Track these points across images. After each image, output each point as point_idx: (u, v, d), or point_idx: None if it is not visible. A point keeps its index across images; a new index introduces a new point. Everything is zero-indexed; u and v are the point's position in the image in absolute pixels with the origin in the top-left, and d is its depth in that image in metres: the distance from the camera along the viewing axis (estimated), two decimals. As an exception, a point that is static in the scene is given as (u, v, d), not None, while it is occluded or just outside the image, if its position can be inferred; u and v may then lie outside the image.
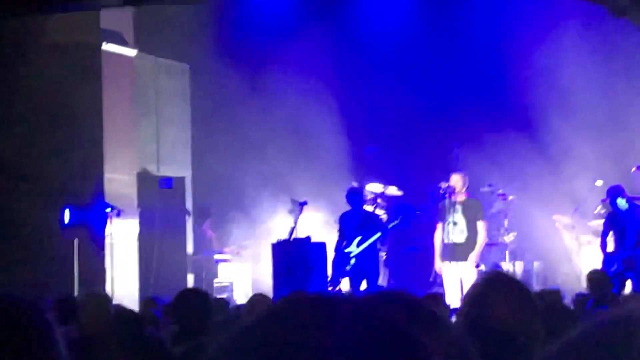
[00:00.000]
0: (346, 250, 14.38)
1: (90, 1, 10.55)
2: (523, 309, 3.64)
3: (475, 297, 3.67)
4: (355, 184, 16.90)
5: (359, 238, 14.36)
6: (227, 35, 18.80)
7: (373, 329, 1.49)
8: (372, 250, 14.47)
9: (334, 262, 14.49)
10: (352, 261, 14.30)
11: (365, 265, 14.33)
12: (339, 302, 1.52)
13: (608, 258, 13.46)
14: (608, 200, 13.94)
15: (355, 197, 14.79)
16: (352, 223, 14.54)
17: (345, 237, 14.57)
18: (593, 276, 10.67)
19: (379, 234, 14.37)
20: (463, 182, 14.07)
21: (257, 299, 8.18)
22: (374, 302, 2.07)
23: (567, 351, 1.52)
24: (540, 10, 16.94)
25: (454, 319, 8.69)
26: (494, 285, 3.67)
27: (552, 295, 8.59)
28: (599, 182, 16.19)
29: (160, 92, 18.12)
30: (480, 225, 14.07)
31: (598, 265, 13.64)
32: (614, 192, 13.77)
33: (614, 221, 13.65)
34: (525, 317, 3.64)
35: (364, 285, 14.51)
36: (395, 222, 14.71)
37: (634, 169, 15.78)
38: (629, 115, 17.41)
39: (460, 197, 14.03)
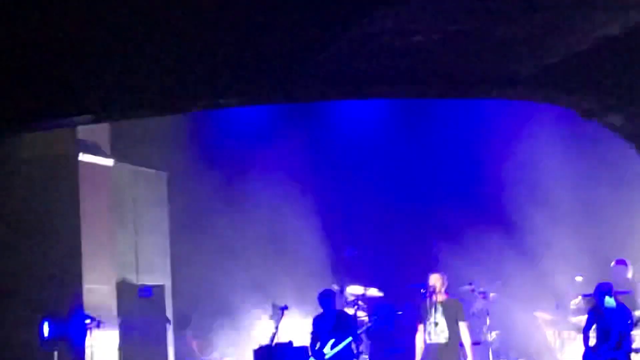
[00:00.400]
0: (322, 352, 14.23)
1: (63, 120, 10.62)
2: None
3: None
4: (335, 287, 16.86)
5: (332, 340, 14.25)
6: (204, 142, 18.89)
7: None
8: (347, 352, 14.32)
9: None
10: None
11: None
12: None
13: (590, 353, 13.36)
14: (594, 297, 13.83)
15: (327, 299, 14.66)
16: (326, 325, 14.44)
17: (319, 340, 14.45)
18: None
19: (350, 338, 14.22)
20: (442, 282, 13.99)
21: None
22: None
23: None
24: (515, 110, 17.11)
25: None
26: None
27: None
28: (579, 278, 16.21)
29: (138, 200, 18.10)
30: (463, 327, 13.95)
31: (581, 361, 13.57)
32: (602, 290, 13.65)
33: (598, 317, 13.57)
34: None
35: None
36: (366, 326, 14.53)
37: (613, 263, 15.82)
38: (604, 210, 17.51)
39: (440, 297, 13.96)
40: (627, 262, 15.84)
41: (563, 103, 10.07)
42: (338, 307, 15.57)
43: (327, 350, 14.23)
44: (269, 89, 9.79)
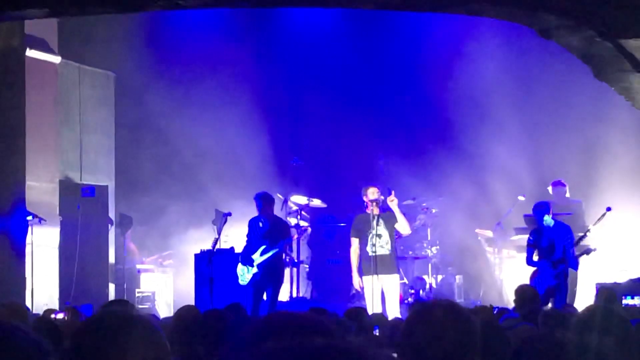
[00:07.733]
0: (251, 258, 14.06)
1: (14, 12, 10.39)
2: (463, 332, 3.68)
3: (418, 324, 3.70)
4: (280, 196, 16.86)
5: (263, 247, 14.05)
6: (153, 45, 18.68)
7: None
8: (276, 259, 14.09)
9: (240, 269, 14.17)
10: (254, 270, 13.98)
11: (267, 275, 13.98)
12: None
13: (539, 273, 13.50)
14: (534, 216, 13.99)
15: (261, 201, 14.35)
16: (260, 230, 14.18)
17: (251, 244, 14.22)
18: (522, 291, 10.59)
19: (276, 250, 13.98)
20: (380, 194, 13.94)
21: (184, 310, 8.06)
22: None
23: None
24: (459, 28, 17.17)
25: (377, 332, 8.72)
26: (435, 312, 3.70)
27: (485, 312, 8.74)
28: (521, 197, 16.40)
29: (84, 99, 17.91)
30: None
31: (519, 279, 13.69)
32: (540, 209, 13.82)
33: (539, 237, 13.72)
34: (464, 338, 3.68)
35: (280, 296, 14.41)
36: (307, 236, 14.19)
37: (550, 186, 16.00)
38: (549, 132, 17.68)
39: (377, 210, 13.86)
40: (564, 182, 16.01)
41: (523, 21, 10.06)
42: (282, 216, 15.54)
43: (256, 257, 14.03)
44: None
